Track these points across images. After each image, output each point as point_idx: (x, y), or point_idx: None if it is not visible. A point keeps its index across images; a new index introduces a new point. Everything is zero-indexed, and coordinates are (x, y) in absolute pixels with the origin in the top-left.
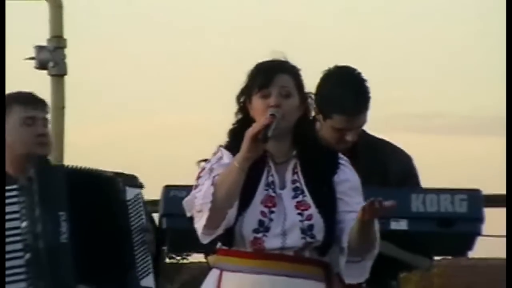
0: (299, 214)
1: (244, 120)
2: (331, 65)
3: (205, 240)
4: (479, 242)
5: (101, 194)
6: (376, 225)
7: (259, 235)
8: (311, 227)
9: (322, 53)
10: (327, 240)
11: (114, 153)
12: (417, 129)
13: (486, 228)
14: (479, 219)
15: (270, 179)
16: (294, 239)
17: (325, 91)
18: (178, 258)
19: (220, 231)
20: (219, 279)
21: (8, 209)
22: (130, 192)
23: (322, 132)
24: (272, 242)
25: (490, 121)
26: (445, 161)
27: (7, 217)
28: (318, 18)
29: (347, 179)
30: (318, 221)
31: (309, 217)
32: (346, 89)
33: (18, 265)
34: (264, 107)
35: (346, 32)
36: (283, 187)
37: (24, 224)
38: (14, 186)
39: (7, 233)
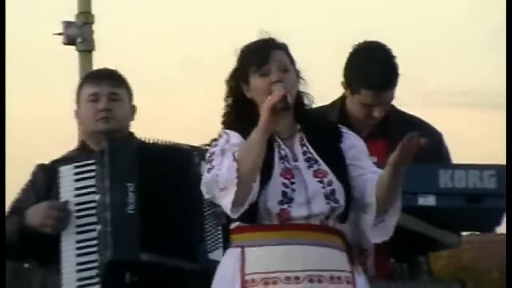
0: (319, 181)
1: (238, 103)
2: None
3: (235, 215)
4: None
5: (175, 166)
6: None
7: (285, 206)
8: (333, 192)
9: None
10: (347, 204)
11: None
12: (446, 104)
13: None
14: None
15: (283, 152)
16: (320, 206)
17: (354, 66)
18: None
19: (246, 205)
20: (243, 256)
21: (85, 183)
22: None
23: (349, 107)
24: (298, 211)
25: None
26: (474, 136)
27: (84, 190)
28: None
29: (354, 145)
30: (338, 185)
31: (330, 183)
32: (374, 64)
33: (92, 237)
34: (266, 85)
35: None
36: (295, 159)
37: (98, 197)
38: (92, 161)
39: (84, 206)
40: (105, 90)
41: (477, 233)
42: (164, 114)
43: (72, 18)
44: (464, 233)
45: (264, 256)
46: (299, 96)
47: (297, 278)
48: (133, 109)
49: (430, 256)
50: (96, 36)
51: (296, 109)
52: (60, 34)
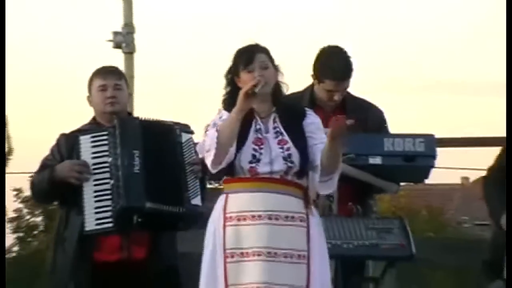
0: (281, 148)
1: (233, 91)
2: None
3: (214, 170)
4: (433, 172)
5: (164, 137)
6: (340, 157)
7: (253, 164)
8: (290, 155)
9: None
10: (302, 165)
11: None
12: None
13: (437, 162)
14: (433, 156)
15: (258, 126)
16: (279, 165)
17: (320, 63)
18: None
19: (224, 164)
20: (226, 200)
21: (99, 148)
22: (184, 136)
23: (317, 93)
24: (263, 168)
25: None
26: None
27: (99, 154)
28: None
29: (312, 122)
30: (294, 151)
31: (288, 149)
32: (335, 61)
33: (106, 189)
34: (251, 79)
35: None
36: (267, 132)
37: (110, 159)
38: (104, 132)
39: (99, 166)
40: (111, 82)
41: (410, 183)
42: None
43: (119, 29)
44: (402, 184)
45: (238, 200)
46: (277, 85)
47: (259, 216)
48: (129, 96)
49: (377, 199)
50: (136, 42)
51: (274, 95)
52: (110, 41)
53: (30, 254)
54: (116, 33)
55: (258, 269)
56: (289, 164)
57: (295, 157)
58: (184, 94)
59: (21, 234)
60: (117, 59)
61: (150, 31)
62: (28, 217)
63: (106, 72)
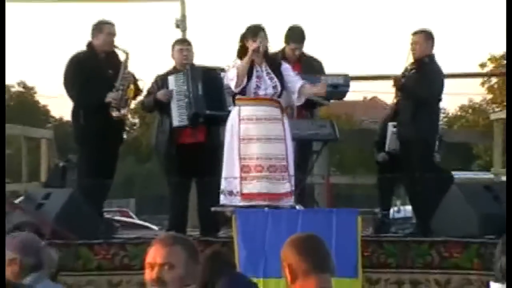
0: (270, 81)
1: (243, 49)
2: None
3: (236, 90)
4: (348, 94)
5: (213, 75)
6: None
7: (256, 90)
8: (276, 86)
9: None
10: (281, 91)
11: None
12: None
13: (350, 88)
14: (348, 85)
15: (257, 69)
16: (270, 90)
17: (289, 33)
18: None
19: (239, 89)
20: (239, 109)
21: (179, 82)
22: (223, 75)
23: (286, 51)
24: (261, 92)
25: None
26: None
27: (179, 85)
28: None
29: (286, 67)
30: (277, 83)
31: (275, 82)
32: (295, 32)
33: (183, 104)
34: (256, 44)
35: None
36: (262, 73)
37: (185, 87)
38: (181, 74)
39: (179, 92)
40: (185, 47)
41: (336, 100)
42: None
43: (178, 17)
44: (331, 101)
45: (248, 109)
46: (266, 49)
47: (253, 118)
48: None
49: (318, 109)
50: (188, 25)
51: (264, 54)
52: (174, 23)
53: (132, 139)
54: (177, 20)
55: (256, 147)
56: (275, 90)
57: (278, 86)
58: (216, 51)
59: (127, 128)
60: (177, 34)
61: (196, 17)
62: (130, 118)
63: (182, 41)
